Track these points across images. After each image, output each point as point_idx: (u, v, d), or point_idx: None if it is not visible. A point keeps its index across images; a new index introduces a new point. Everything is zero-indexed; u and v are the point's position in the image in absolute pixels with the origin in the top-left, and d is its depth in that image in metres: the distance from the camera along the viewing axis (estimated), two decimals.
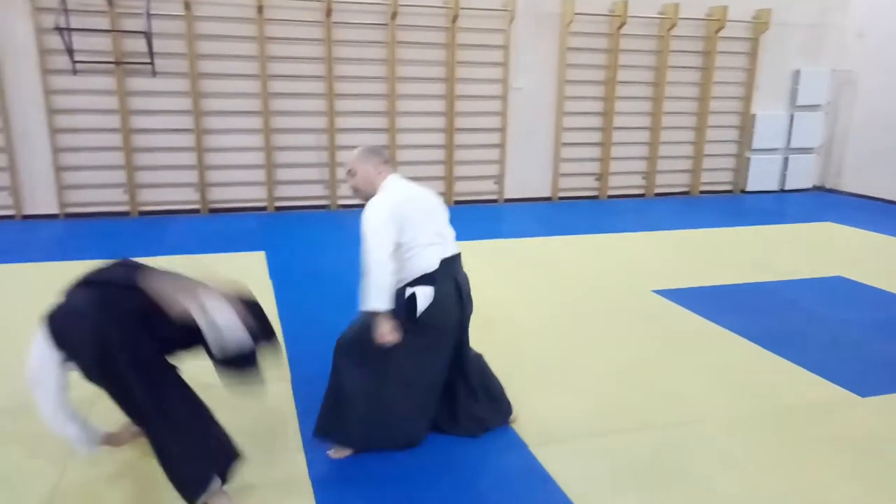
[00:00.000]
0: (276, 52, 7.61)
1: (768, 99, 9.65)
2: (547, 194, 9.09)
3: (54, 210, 7.36)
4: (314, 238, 6.80)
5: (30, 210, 7.31)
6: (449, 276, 2.76)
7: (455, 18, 7.96)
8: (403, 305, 2.67)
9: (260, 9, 7.35)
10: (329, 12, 7.55)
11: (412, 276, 2.69)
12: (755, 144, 9.70)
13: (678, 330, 4.36)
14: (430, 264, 2.69)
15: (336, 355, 2.83)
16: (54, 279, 5.13)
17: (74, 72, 7.04)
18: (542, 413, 3.21)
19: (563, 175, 9.04)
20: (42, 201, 7.32)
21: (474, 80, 8.36)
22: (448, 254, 2.78)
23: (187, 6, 7.17)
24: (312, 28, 7.67)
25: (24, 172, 7.22)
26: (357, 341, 2.77)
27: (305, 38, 7.68)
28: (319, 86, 7.82)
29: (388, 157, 2.95)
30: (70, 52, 6.86)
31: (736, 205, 9.20)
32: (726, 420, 3.18)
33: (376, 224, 2.62)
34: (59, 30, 6.64)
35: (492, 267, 5.74)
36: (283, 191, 8.01)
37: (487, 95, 8.49)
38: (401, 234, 2.63)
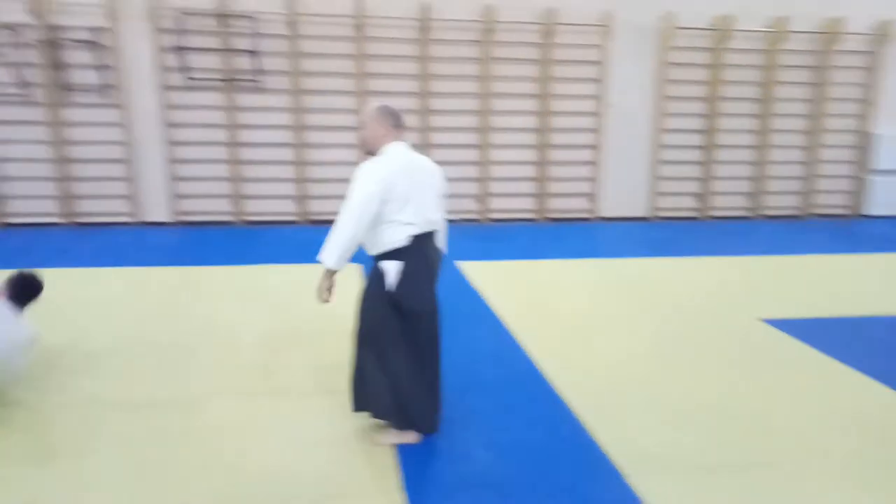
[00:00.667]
0: (373, 69, 7.80)
1: (893, 117, 8.93)
2: (644, 213, 8.80)
3: (167, 218, 7.83)
4: None
5: (146, 217, 7.82)
6: (419, 253, 2.83)
7: (550, 34, 7.88)
8: (380, 280, 2.81)
9: (359, 27, 7.56)
10: (425, 30, 7.66)
11: (382, 248, 2.81)
12: (877, 165, 8.99)
13: (791, 363, 4.04)
14: (400, 239, 2.78)
15: (353, 339, 3.00)
16: (166, 283, 5.44)
17: (188, 88, 7.49)
18: (638, 440, 3.04)
19: (662, 194, 8.72)
20: (157, 209, 7.81)
21: (568, 97, 8.23)
22: (421, 231, 2.82)
23: (291, 26, 7.48)
24: (409, 46, 7.81)
25: (142, 182, 7.73)
26: (360, 326, 2.94)
27: (402, 56, 7.83)
28: (413, 102, 7.94)
29: (400, 122, 2.93)
30: (185, 69, 7.31)
31: (853, 230, 8.54)
32: (843, 465, 2.89)
33: (365, 196, 2.70)
34: (176, 49, 7.09)
35: (586, 287, 5.57)
36: None
37: (582, 112, 8.34)
38: (385, 206, 2.72)
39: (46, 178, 7.47)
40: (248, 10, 7.38)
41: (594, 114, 8.36)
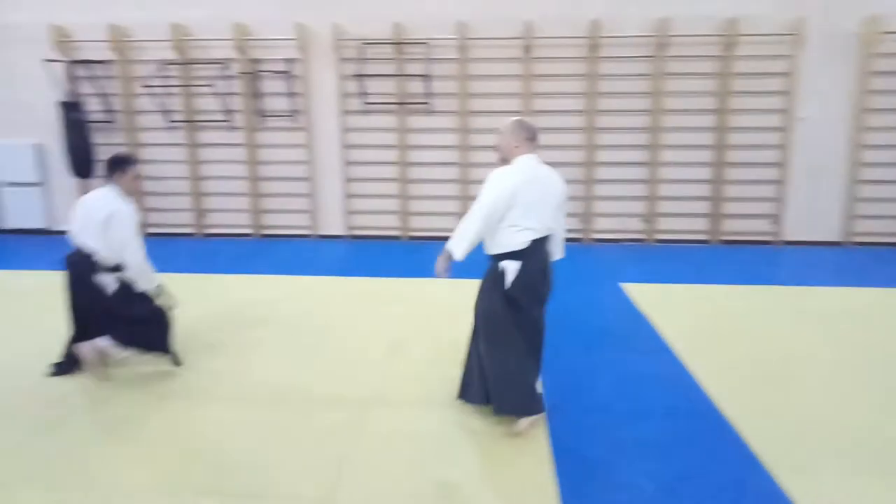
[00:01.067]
0: (541, 88, 7.81)
1: None
2: (837, 238, 7.89)
3: (342, 231, 8.39)
4: (561, 269, 6.70)
5: (323, 231, 8.44)
6: (536, 255, 3.12)
7: (732, 46, 7.39)
8: (499, 278, 3.12)
9: (527, 48, 7.62)
10: (595, 47, 7.53)
11: (502, 249, 3.11)
12: None
13: None
14: (521, 242, 3.07)
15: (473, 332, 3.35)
16: (337, 291, 5.79)
17: (365, 112, 8.00)
18: (842, 497, 2.67)
19: (861, 217, 7.77)
20: (333, 223, 8.40)
21: (751, 111, 7.64)
22: (539, 235, 3.11)
23: (462, 49, 7.72)
24: (577, 64, 7.72)
25: (321, 198, 8.36)
26: (480, 320, 3.25)
27: (570, 74, 7.76)
28: (580, 120, 7.82)
29: (534, 136, 3.17)
30: (363, 94, 7.82)
31: None
32: None
33: (497, 197, 3.01)
34: (356, 76, 7.62)
35: (768, 317, 5.08)
36: None
37: (766, 127, 7.70)
38: (509, 210, 3.02)
39: (241, 194, 8.34)
40: (421, 37, 7.74)
41: (781, 129, 7.68)
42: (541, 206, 3.09)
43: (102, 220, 3.67)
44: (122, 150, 8.19)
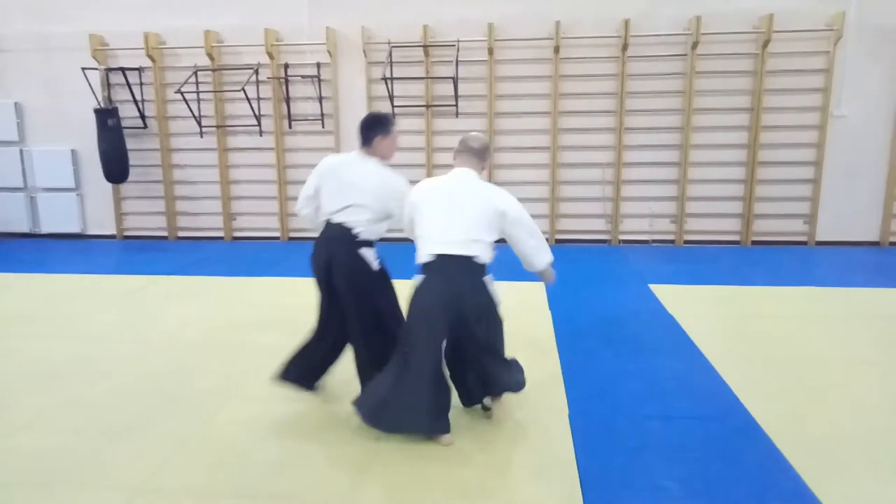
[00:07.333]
0: (568, 89, 7.76)
1: None
2: (873, 238, 7.68)
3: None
4: (593, 272, 6.65)
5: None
6: None
7: (766, 44, 7.25)
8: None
9: (556, 49, 7.57)
10: (625, 47, 7.46)
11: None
12: None
13: None
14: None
15: None
16: None
17: (393, 115, 8.00)
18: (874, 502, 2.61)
19: None
20: None
21: (785, 109, 7.49)
22: None
23: (490, 52, 7.70)
24: (607, 63, 7.66)
25: None
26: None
27: (599, 75, 7.70)
28: (609, 120, 7.75)
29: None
30: (391, 97, 7.85)
31: None
32: None
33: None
34: (384, 79, 7.65)
35: (803, 320, 4.96)
36: (566, 224, 8.08)
37: (800, 125, 7.54)
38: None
39: (269, 198, 8.45)
40: (450, 39, 7.74)
41: (816, 127, 7.51)
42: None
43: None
44: (154, 154, 8.45)
